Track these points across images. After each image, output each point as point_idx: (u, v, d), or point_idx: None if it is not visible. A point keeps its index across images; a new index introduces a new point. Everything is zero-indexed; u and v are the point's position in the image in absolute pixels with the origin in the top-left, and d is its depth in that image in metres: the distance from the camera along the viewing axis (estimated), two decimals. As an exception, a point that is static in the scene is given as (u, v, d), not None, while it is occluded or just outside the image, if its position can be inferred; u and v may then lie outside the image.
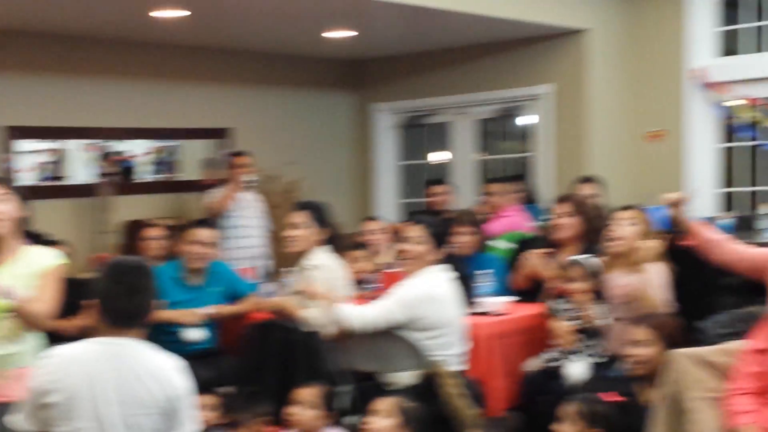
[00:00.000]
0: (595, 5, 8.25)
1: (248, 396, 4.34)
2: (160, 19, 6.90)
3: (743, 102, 8.14)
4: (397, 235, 5.44)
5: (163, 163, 8.46)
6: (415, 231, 4.53)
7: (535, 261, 5.27)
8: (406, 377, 4.36)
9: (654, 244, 4.75)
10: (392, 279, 4.78)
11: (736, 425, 3.00)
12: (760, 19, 8.18)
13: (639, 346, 4.06)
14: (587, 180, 7.00)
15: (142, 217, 7.44)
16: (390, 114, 9.71)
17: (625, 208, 4.91)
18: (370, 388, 4.35)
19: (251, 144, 8.21)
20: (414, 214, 7.85)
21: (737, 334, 3.74)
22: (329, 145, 9.61)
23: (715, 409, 3.11)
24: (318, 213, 5.12)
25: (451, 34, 8.34)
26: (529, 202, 7.69)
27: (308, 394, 4.13)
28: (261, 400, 4.30)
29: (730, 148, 8.42)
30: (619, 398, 3.63)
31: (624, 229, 4.76)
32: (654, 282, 4.62)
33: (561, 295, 4.75)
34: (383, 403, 3.87)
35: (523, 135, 9.02)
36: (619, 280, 4.74)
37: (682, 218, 4.37)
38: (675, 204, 4.35)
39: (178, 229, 6.25)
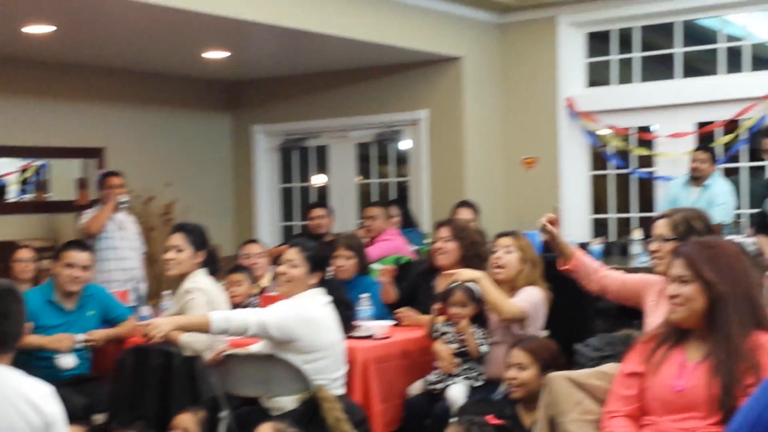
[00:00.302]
0: (469, 34, 8.42)
1: (125, 422, 4.22)
2: (31, 35, 6.72)
3: (611, 131, 8.45)
4: (275, 258, 5.41)
5: (34, 183, 8.21)
6: (292, 254, 4.51)
7: (410, 317, 5.28)
8: (288, 402, 4.32)
9: (533, 269, 4.83)
10: (271, 302, 4.75)
11: (610, 447, 3.07)
12: (629, 51, 8.49)
13: (516, 369, 4.14)
14: (465, 204, 7.10)
15: (12, 239, 7.18)
16: (269, 136, 9.67)
17: (506, 234, 4.97)
18: (252, 413, 4.29)
19: (126, 164, 8.04)
20: (292, 237, 7.86)
21: (609, 357, 3.85)
22: (207, 166, 9.50)
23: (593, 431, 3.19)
24: (195, 235, 5.03)
25: (328, 58, 8.38)
26: (408, 226, 7.76)
27: (187, 420, 4.05)
28: (139, 426, 4.19)
29: (602, 176, 8.71)
30: (499, 421, 3.68)
31: (506, 256, 4.84)
32: (525, 303, 4.71)
33: (446, 318, 4.79)
34: (264, 429, 3.81)
35: (402, 159, 9.12)
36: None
37: (558, 241, 4.48)
38: (549, 225, 4.45)
39: (49, 251, 6.05)
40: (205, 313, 4.39)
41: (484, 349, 4.69)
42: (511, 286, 4.82)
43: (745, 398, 2.79)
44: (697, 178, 7.37)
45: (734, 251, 3.12)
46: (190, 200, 8.62)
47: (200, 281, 4.92)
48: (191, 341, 4.60)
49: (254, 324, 4.26)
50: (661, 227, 4.11)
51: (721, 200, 7.11)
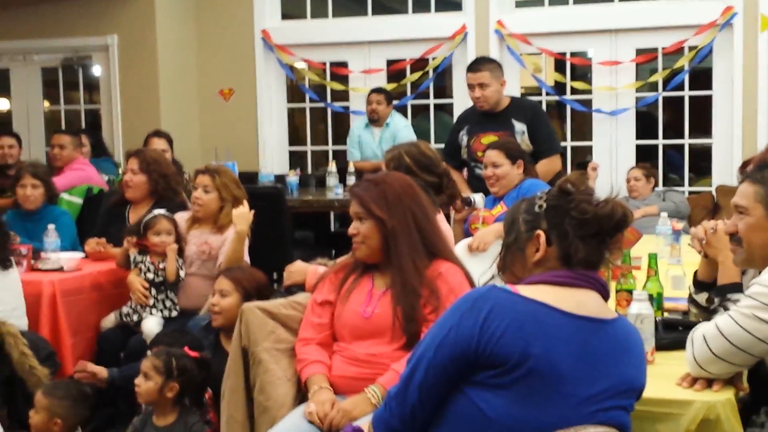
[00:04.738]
0: (161, -42, 8.18)
1: None
2: None
3: (306, 65, 8.57)
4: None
5: None
6: None
7: (101, 250, 5.09)
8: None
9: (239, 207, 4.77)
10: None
11: (305, 374, 3.14)
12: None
13: (218, 296, 4.12)
14: (158, 134, 6.94)
15: None
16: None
17: (203, 172, 4.84)
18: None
19: None
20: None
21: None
22: None
23: (287, 359, 3.24)
24: None
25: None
26: (100, 155, 7.50)
27: None
28: None
29: (300, 108, 8.84)
30: (194, 353, 3.67)
31: (204, 196, 4.77)
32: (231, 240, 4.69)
33: (141, 248, 4.69)
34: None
35: (93, 86, 8.77)
36: (198, 238, 4.79)
37: None
38: None
39: None
40: None
41: (181, 274, 4.66)
42: (214, 222, 4.79)
43: (427, 323, 2.99)
44: (376, 120, 7.63)
45: (402, 185, 3.22)
46: None
47: None
48: None
49: None
50: (383, 164, 4.22)
51: (403, 134, 7.41)
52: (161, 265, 4.65)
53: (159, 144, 6.63)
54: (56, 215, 5.35)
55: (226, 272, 4.21)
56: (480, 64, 5.72)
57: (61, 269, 4.76)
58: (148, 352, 3.72)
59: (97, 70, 8.59)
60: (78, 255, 4.97)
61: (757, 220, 2.63)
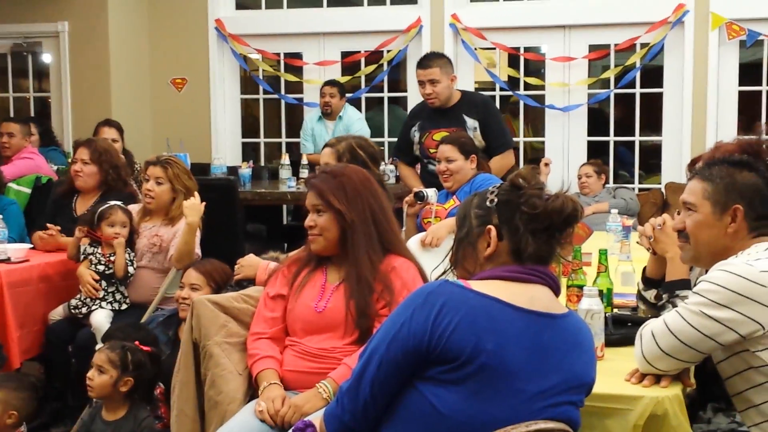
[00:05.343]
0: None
1: None
2: None
3: (260, 56, 8.53)
4: None
5: None
6: None
7: (50, 239, 5.02)
8: None
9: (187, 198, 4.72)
10: None
11: (256, 369, 3.12)
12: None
13: (189, 289, 4.07)
14: (108, 123, 6.85)
15: None
16: None
17: (154, 163, 4.77)
18: None
19: None
20: None
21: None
22: None
23: (238, 354, 3.21)
24: None
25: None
26: (49, 144, 7.39)
27: None
28: None
29: (253, 99, 8.80)
30: (147, 348, 3.63)
31: (156, 188, 4.72)
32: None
33: (93, 238, 4.63)
34: None
35: (42, 74, 8.65)
36: (149, 231, 4.74)
37: None
38: None
39: None
40: None
41: (130, 270, 4.61)
42: (165, 214, 4.75)
43: (379, 318, 2.98)
44: (329, 113, 7.62)
45: (361, 178, 3.20)
46: None
47: None
48: None
49: None
50: (326, 156, 4.20)
51: (356, 127, 7.41)
52: (112, 258, 4.59)
53: (109, 133, 6.55)
54: (4, 205, 5.27)
55: (196, 266, 4.19)
56: (430, 60, 5.68)
57: (8, 260, 4.68)
58: (98, 346, 3.67)
59: (47, 58, 8.47)
60: (26, 246, 4.90)
61: (704, 217, 2.65)
